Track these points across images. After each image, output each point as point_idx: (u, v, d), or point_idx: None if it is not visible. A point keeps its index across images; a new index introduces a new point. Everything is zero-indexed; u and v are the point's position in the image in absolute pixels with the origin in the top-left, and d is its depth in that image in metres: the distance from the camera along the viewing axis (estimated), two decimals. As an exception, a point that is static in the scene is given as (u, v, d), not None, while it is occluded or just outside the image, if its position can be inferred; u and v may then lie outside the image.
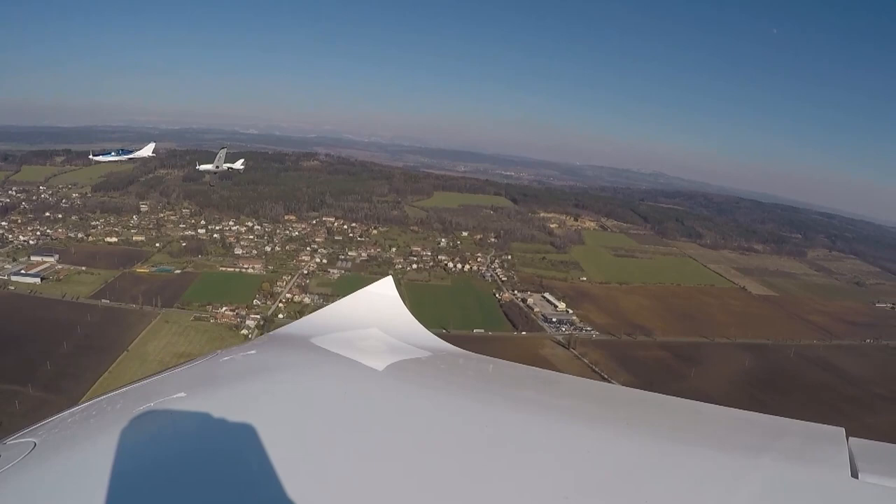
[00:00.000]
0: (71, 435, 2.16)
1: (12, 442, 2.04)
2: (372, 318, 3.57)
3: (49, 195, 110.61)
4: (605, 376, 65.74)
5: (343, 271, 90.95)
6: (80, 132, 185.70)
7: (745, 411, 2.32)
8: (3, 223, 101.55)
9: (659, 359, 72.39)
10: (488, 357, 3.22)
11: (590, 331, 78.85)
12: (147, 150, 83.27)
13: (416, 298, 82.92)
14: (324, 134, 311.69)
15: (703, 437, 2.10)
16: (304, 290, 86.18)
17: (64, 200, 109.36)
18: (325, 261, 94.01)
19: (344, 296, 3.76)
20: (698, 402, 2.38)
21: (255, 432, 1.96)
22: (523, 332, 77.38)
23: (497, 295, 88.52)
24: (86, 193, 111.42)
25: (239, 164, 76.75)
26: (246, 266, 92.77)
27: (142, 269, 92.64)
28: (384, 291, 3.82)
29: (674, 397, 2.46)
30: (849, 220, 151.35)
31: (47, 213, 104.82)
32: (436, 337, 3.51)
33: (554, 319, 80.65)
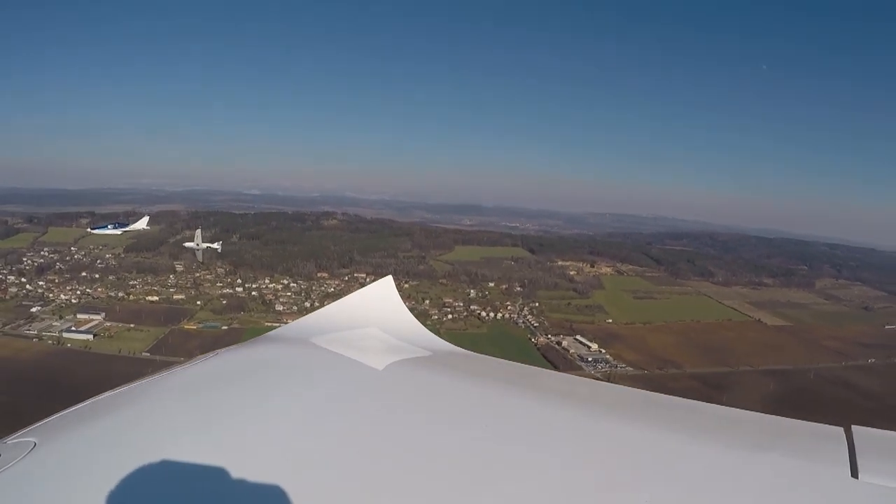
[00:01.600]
0: (71, 434, 2.23)
1: (12, 441, 2.12)
2: (372, 318, 3.74)
3: (82, 256, 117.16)
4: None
5: None
6: (87, 194, 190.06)
7: (745, 411, 2.48)
8: (41, 283, 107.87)
9: (692, 388, 79.66)
10: (488, 357, 3.44)
11: (624, 367, 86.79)
12: (142, 223, 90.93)
13: (459, 345, 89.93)
14: (327, 193, 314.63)
15: (703, 437, 2.16)
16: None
17: (98, 261, 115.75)
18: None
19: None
20: (698, 402, 2.52)
21: (255, 432, 2.10)
22: (564, 372, 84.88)
23: (532, 339, 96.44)
24: (118, 254, 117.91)
25: (216, 245, 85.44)
26: (289, 321, 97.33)
27: (189, 326, 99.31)
28: (384, 291, 4.02)
29: (674, 397, 2.61)
30: (853, 248, 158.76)
31: (83, 273, 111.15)
32: (436, 337, 3.77)
33: (590, 359, 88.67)
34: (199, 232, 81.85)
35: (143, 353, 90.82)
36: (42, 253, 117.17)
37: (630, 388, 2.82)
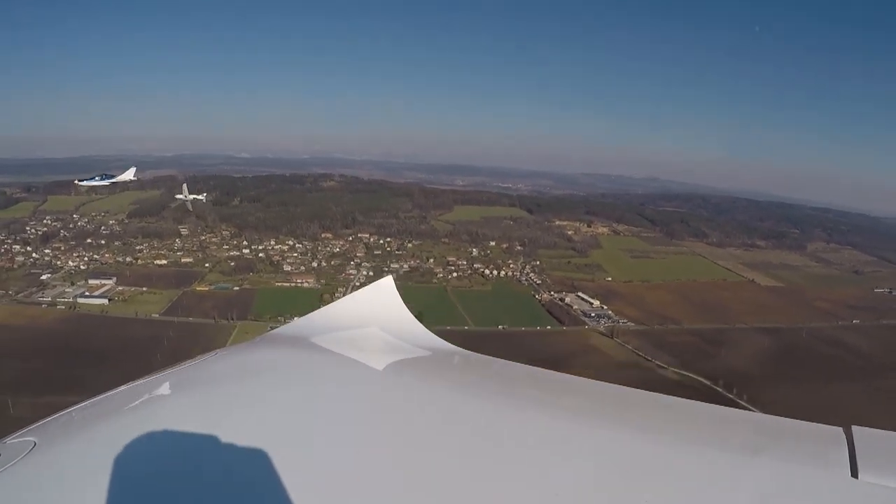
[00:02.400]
0: (71, 434, 2.25)
1: (12, 441, 2.13)
2: (372, 318, 3.72)
3: (85, 223, 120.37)
4: (650, 358, 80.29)
5: None
6: (77, 162, 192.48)
7: (745, 411, 2.51)
8: (47, 251, 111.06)
9: (691, 343, 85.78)
10: (488, 357, 3.35)
11: (626, 322, 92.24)
12: (129, 174, 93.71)
13: (465, 303, 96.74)
14: (315, 154, 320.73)
15: (703, 437, 2.16)
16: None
17: (103, 227, 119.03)
18: (371, 273, 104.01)
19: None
20: (698, 403, 2.48)
21: (255, 432, 2.07)
22: (572, 327, 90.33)
23: (536, 296, 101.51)
24: (122, 220, 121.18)
25: (202, 197, 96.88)
26: (300, 281, 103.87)
27: (201, 288, 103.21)
28: (384, 291, 4.00)
29: (674, 397, 2.58)
30: (843, 213, 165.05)
31: (89, 240, 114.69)
32: (436, 336, 3.69)
33: (592, 315, 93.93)
34: (185, 185, 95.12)
35: (158, 315, 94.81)
36: (45, 221, 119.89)
37: (629, 388, 2.78)
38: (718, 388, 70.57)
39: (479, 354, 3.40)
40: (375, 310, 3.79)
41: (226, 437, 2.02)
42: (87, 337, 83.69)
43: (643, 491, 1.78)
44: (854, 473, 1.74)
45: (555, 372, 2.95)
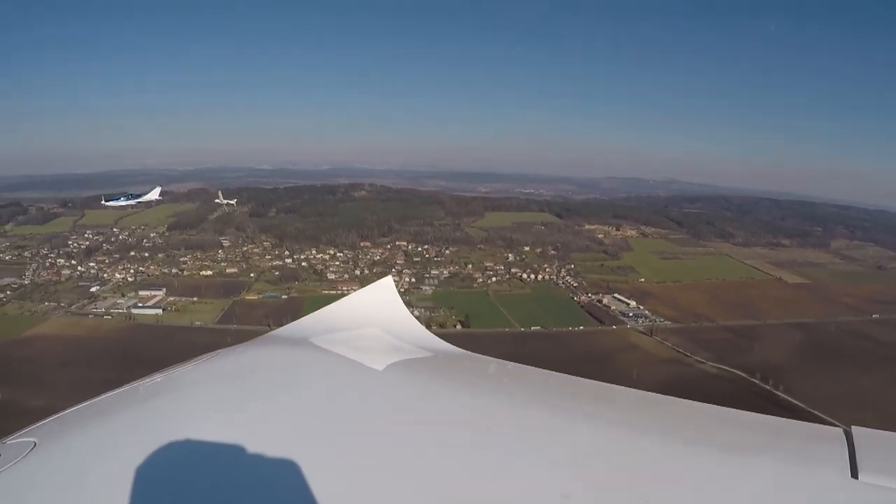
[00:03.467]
0: (71, 435, 2.27)
1: (12, 441, 2.18)
2: (372, 318, 3.86)
3: (126, 236, 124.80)
4: (688, 354, 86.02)
5: (433, 288, 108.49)
6: (102, 177, 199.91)
7: (745, 412, 2.48)
8: (92, 264, 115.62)
9: (725, 338, 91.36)
10: (488, 357, 3.49)
11: (663, 321, 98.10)
12: (154, 194, 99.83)
13: (508, 306, 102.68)
14: (336, 165, 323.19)
15: (703, 437, 2.24)
16: (408, 305, 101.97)
17: (144, 240, 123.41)
18: (413, 279, 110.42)
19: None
20: (698, 403, 2.55)
21: (255, 432, 2.14)
22: (613, 326, 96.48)
23: (574, 298, 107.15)
24: (163, 232, 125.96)
25: (233, 202, 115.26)
26: (345, 288, 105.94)
27: (250, 297, 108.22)
28: (384, 291, 4.21)
29: (673, 398, 2.63)
30: (864, 210, 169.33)
31: (132, 253, 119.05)
32: (436, 337, 3.85)
33: (630, 314, 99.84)
34: (220, 192, 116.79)
35: (214, 324, 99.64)
36: (86, 235, 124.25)
37: (628, 388, 2.82)
38: (755, 381, 76.09)
39: (478, 355, 3.62)
40: (375, 310, 4.01)
41: (227, 436, 2.12)
42: (155, 345, 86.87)
43: (644, 491, 1.85)
44: (854, 474, 1.79)
45: (554, 372, 3.12)
